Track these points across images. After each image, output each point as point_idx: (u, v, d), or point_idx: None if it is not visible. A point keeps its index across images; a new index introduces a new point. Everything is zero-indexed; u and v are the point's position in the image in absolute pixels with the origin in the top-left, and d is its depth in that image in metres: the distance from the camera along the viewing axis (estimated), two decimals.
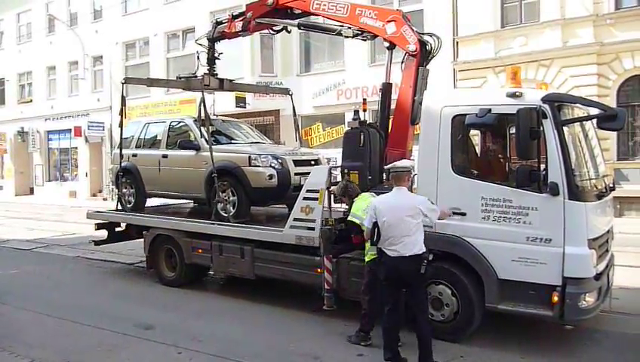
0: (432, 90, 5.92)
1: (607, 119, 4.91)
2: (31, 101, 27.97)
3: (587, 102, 5.39)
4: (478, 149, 6.29)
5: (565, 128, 4.85)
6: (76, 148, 26.01)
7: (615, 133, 12.48)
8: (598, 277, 4.92)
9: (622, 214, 12.54)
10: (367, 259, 5.20)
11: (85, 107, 24.54)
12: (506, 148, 6.08)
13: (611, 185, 5.64)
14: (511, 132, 5.86)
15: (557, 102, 4.93)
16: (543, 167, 4.80)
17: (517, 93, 4.93)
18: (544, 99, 4.85)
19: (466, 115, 5.13)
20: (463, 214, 5.11)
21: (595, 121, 5.19)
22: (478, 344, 5.15)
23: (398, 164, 4.91)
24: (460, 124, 5.24)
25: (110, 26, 23.63)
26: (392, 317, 4.71)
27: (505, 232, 4.90)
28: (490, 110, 4.91)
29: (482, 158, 6.14)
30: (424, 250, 4.59)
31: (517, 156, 4.98)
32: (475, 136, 6.28)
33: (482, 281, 5.02)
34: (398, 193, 4.73)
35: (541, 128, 4.72)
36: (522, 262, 4.82)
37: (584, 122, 5.36)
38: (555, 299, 4.67)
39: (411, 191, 5.90)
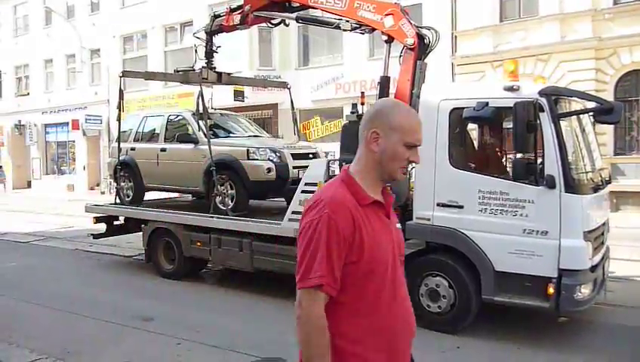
0: (430, 84, 5.93)
1: (603, 112, 4.94)
2: (28, 94, 27.88)
3: (584, 96, 5.42)
4: (476, 143, 6.32)
5: (562, 121, 4.89)
6: (74, 141, 25.93)
7: (612, 127, 12.55)
8: (593, 269, 4.97)
9: (618, 209, 12.61)
10: None
11: (83, 100, 24.48)
12: (503, 141, 6.12)
13: (607, 179, 5.68)
14: (508, 125, 5.90)
15: (554, 95, 4.97)
16: (540, 160, 4.84)
17: (514, 87, 4.96)
18: (541, 93, 4.88)
19: (463, 108, 5.15)
20: (460, 207, 5.15)
21: (591, 114, 5.23)
22: (475, 335, 5.20)
23: None
24: (458, 118, 5.27)
25: (108, 19, 23.52)
26: None
27: (501, 225, 4.94)
28: (487, 103, 4.93)
29: (480, 152, 6.17)
30: None
31: (514, 149, 4.99)
32: (473, 130, 6.30)
33: (479, 273, 5.07)
34: None
35: (538, 121, 4.76)
36: (518, 254, 4.87)
37: (581, 116, 5.39)
38: (551, 290, 4.72)
39: (409, 186, 5.96)
